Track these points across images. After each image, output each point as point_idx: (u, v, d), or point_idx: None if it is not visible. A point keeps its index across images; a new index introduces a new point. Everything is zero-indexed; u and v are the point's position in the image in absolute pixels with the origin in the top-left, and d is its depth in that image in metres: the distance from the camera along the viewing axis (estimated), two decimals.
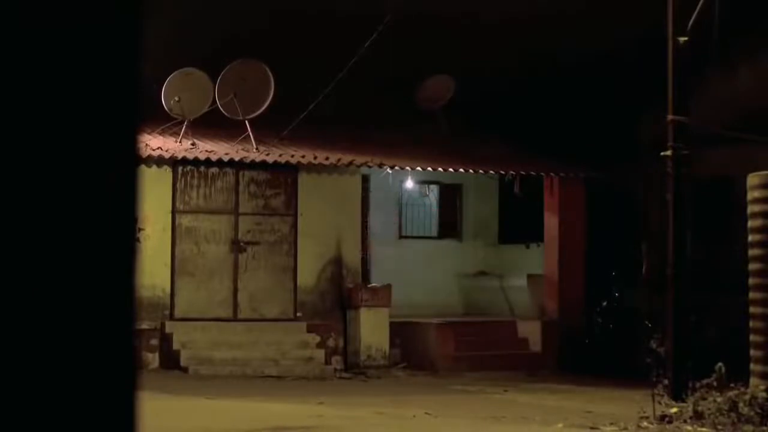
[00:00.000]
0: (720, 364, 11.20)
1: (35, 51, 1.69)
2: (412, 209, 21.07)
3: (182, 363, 16.35)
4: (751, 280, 11.39)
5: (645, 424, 11.14)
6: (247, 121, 17.23)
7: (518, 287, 19.74)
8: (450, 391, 15.15)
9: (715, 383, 11.12)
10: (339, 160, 17.49)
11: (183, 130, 17.15)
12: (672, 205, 12.93)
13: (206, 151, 17.03)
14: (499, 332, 18.63)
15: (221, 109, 17.20)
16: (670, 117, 13.02)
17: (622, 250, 18.06)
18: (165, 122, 17.13)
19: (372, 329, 17.61)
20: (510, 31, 17.89)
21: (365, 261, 19.03)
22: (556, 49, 17.79)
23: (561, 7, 17.53)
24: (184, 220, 17.22)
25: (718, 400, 10.84)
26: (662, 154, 13.04)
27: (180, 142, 17.10)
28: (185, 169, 17.23)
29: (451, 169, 18.38)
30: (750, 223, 11.48)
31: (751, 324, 11.30)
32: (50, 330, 1.69)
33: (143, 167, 14.54)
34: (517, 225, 20.44)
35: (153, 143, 16.66)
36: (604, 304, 17.76)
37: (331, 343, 17.61)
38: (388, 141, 18.50)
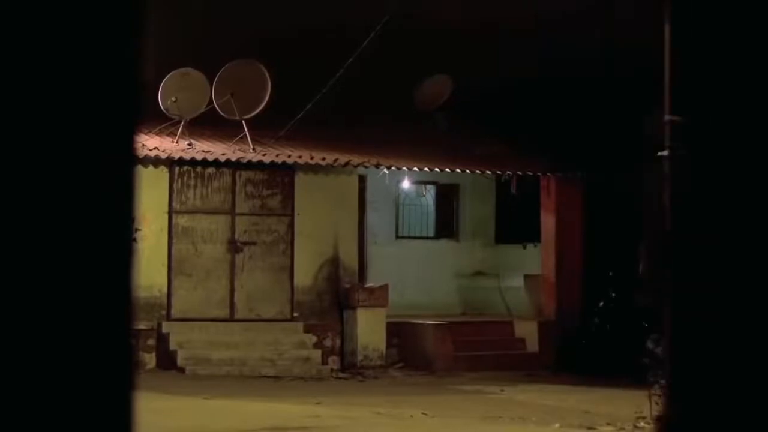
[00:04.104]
0: None
1: (35, 51, 1.68)
2: (409, 209, 21.06)
3: (179, 363, 16.34)
4: None
5: (642, 424, 11.15)
6: (244, 121, 17.21)
7: (515, 287, 19.73)
8: (447, 391, 15.14)
9: None
10: (336, 160, 17.48)
11: (180, 130, 17.13)
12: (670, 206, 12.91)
13: (203, 151, 17.02)
14: (497, 332, 18.62)
15: (218, 109, 17.19)
16: (667, 117, 13.02)
17: (620, 250, 18.05)
18: (162, 122, 17.12)
19: (369, 329, 17.60)
20: (510, 31, 17.87)
21: (362, 261, 19.02)
22: (556, 49, 17.77)
23: (561, 7, 17.50)
24: (181, 221, 17.21)
25: None
26: (659, 154, 13.03)
27: (177, 142, 17.08)
28: (182, 170, 17.22)
29: (448, 170, 18.37)
30: None
31: None
32: (48, 330, 1.68)
33: (140, 167, 14.53)
34: (515, 225, 20.43)
35: (150, 143, 16.64)
36: (601, 304, 17.76)
37: (328, 343, 17.60)
38: (385, 141, 18.48)
